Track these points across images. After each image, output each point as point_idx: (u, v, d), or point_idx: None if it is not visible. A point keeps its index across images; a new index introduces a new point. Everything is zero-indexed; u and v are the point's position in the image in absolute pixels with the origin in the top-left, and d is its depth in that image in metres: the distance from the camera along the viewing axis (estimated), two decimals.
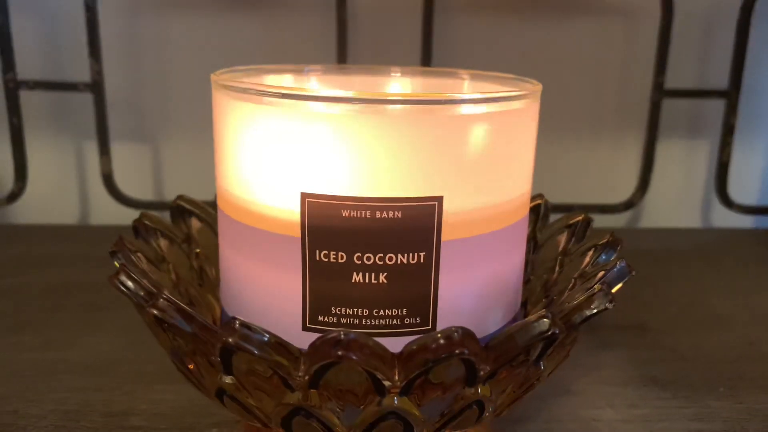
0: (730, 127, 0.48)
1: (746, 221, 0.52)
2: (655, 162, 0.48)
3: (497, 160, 0.20)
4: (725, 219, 0.52)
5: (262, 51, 0.47)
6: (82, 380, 0.28)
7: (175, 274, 0.24)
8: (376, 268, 0.19)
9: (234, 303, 0.22)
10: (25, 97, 0.45)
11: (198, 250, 0.26)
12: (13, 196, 0.46)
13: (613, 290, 0.21)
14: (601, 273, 0.21)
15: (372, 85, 0.27)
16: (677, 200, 0.52)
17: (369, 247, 0.19)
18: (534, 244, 0.27)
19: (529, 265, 0.27)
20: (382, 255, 0.19)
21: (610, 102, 0.50)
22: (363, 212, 0.19)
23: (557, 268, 0.25)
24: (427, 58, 0.45)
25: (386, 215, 0.19)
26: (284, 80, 0.26)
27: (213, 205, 0.28)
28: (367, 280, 0.19)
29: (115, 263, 0.22)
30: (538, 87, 0.22)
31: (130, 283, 0.19)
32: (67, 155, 0.48)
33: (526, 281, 0.26)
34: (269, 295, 0.20)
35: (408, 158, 0.19)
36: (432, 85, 0.27)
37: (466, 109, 0.19)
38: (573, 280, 0.23)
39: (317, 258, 0.19)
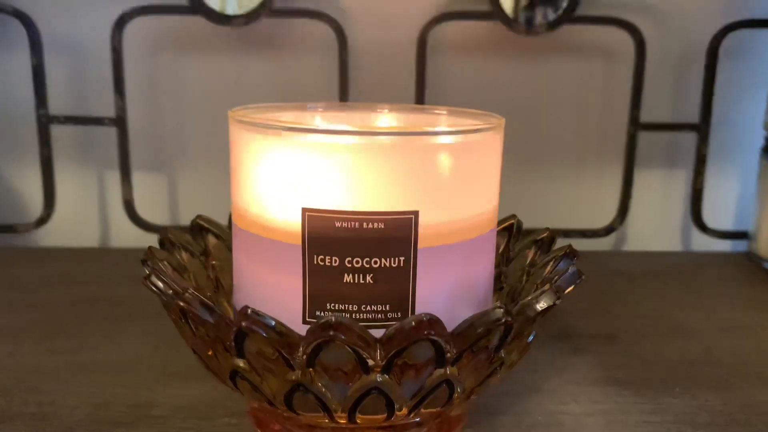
0: (702, 158, 0.52)
1: (723, 245, 0.55)
2: (633, 190, 0.52)
3: (465, 181, 0.24)
4: (702, 243, 0.55)
5: (271, 87, 0.51)
6: (109, 378, 0.32)
7: (195, 281, 0.28)
8: (363, 271, 0.23)
9: (245, 302, 0.25)
10: (55, 130, 0.50)
11: (214, 263, 0.30)
12: (42, 220, 0.50)
13: (566, 291, 0.24)
14: (556, 277, 0.25)
15: (364, 120, 0.31)
16: (656, 226, 0.56)
17: (357, 253, 0.23)
18: (507, 258, 0.31)
19: (503, 275, 0.31)
20: (368, 259, 0.23)
21: (591, 135, 0.54)
22: (352, 223, 0.23)
23: (524, 278, 0.29)
24: (420, 93, 0.50)
25: (372, 226, 0.23)
26: (290, 116, 0.31)
27: (227, 224, 0.32)
28: (356, 281, 0.23)
29: (146, 270, 0.25)
30: (501, 121, 0.26)
31: (159, 284, 0.23)
32: (91, 183, 0.53)
33: (500, 289, 0.30)
34: (275, 294, 0.24)
35: (390, 179, 0.23)
36: (414, 119, 0.31)
37: (437, 140, 0.23)
38: (536, 286, 0.27)
39: (315, 262, 0.23)
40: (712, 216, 0.54)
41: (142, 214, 0.51)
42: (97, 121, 0.50)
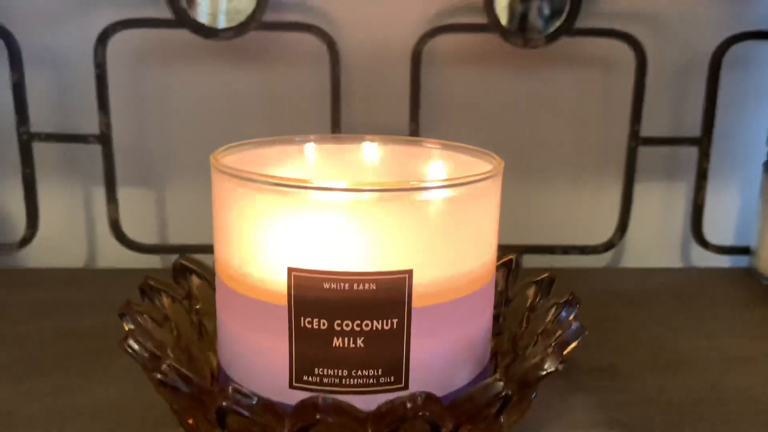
0: (703, 172, 0.51)
1: (724, 260, 0.54)
2: (633, 205, 0.51)
3: (461, 235, 0.22)
4: (703, 258, 0.54)
5: (261, 102, 0.50)
6: (91, 425, 0.30)
7: (177, 332, 0.27)
8: (353, 334, 0.21)
9: (229, 362, 0.24)
10: (37, 148, 0.48)
11: (198, 306, 0.29)
12: (25, 241, 0.49)
13: (565, 352, 0.23)
14: (558, 332, 0.24)
15: (352, 155, 0.30)
16: (656, 241, 0.55)
17: (347, 315, 0.21)
18: (505, 298, 0.30)
19: (501, 317, 0.29)
20: (359, 322, 0.21)
21: (590, 149, 0.52)
22: (342, 285, 0.21)
23: (524, 323, 0.28)
24: (415, 108, 0.48)
25: (362, 287, 0.21)
26: (276, 152, 0.29)
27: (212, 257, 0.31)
28: (346, 345, 0.22)
29: (125, 325, 0.24)
30: (500, 165, 0.24)
31: (137, 347, 0.22)
32: (76, 202, 0.51)
33: (498, 333, 0.29)
34: (260, 356, 0.23)
35: (381, 238, 0.21)
36: (406, 154, 0.30)
37: (430, 195, 0.21)
38: (536, 337, 0.25)
39: (302, 325, 0.22)
40: (713, 231, 0.53)
41: (129, 233, 0.49)
42: (81, 138, 0.48)
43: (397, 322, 0.22)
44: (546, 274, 0.29)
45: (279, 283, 0.22)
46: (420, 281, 0.22)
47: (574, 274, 0.51)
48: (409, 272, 0.21)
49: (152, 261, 0.51)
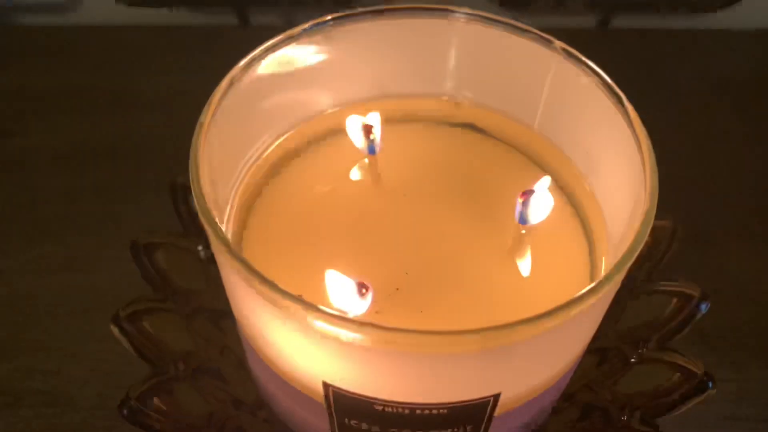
0: None
1: None
2: None
3: (565, 341, 0.16)
4: None
5: None
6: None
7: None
8: None
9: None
10: None
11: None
12: None
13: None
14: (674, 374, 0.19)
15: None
16: None
17: (407, 428, 0.16)
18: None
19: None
20: None
21: None
22: (400, 409, 0.16)
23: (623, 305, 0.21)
24: None
25: (429, 412, 0.16)
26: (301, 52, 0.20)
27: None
28: None
29: None
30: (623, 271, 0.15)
31: None
32: None
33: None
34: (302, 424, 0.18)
35: (457, 369, 0.15)
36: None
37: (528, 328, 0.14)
38: (639, 353, 0.20)
39: (346, 423, 0.17)
40: None
41: None
42: None
43: (471, 428, 0.17)
44: (669, 223, 0.21)
45: (317, 390, 0.16)
46: (506, 398, 0.16)
47: (678, 40, 0.40)
48: (496, 396, 0.15)
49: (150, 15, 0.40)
